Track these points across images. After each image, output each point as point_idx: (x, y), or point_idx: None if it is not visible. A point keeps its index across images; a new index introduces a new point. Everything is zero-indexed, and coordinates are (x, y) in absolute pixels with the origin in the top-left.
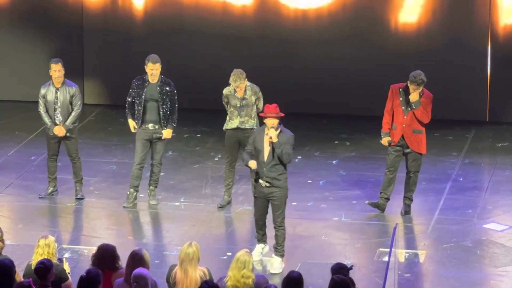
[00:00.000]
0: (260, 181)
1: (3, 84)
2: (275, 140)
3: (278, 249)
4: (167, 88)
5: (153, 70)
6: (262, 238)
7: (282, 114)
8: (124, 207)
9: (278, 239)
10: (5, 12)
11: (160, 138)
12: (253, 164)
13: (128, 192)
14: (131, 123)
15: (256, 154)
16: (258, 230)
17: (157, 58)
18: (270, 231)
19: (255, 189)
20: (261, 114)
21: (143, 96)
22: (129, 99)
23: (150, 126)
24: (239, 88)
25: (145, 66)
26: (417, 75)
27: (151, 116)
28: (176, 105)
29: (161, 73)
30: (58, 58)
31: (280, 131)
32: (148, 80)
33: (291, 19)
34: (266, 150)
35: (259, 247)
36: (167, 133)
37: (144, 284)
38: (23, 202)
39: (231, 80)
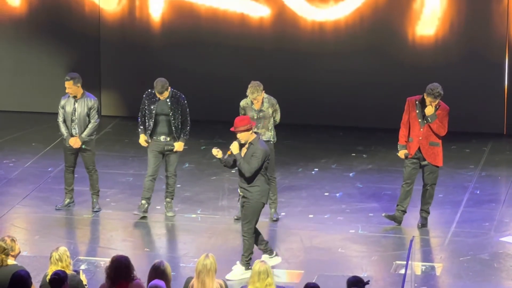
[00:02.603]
0: (238, 189)
1: (20, 96)
2: (234, 152)
3: (242, 258)
4: (178, 102)
5: (160, 96)
6: (261, 248)
7: (253, 124)
8: (134, 214)
9: (243, 247)
10: (23, 24)
11: (172, 151)
12: (214, 151)
13: (139, 203)
14: (142, 138)
15: None
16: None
17: (160, 88)
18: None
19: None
20: (231, 129)
21: (154, 112)
22: (141, 115)
23: (162, 138)
24: (256, 100)
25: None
26: (434, 88)
27: (163, 128)
28: (188, 118)
29: (178, 85)
30: (72, 73)
31: (251, 143)
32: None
33: (308, 31)
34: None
35: (263, 257)
36: (178, 146)
37: None
38: (40, 214)
39: (248, 92)
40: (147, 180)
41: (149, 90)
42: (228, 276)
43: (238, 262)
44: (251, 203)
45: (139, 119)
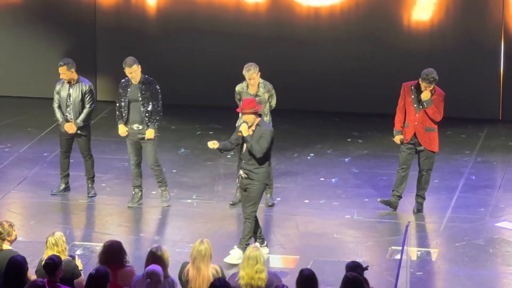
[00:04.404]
0: (240, 171)
1: (16, 81)
2: (245, 134)
3: (241, 241)
4: (149, 87)
5: (131, 73)
6: (256, 235)
7: (259, 108)
8: (128, 207)
9: (244, 230)
10: (19, 10)
11: (144, 139)
12: (210, 143)
13: (133, 192)
14: (121, 129)
15: (239, 148)
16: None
17: (131, 62)
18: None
19: (237, 178)
20: (238, 110)
21: (127, 97)
22: (118, 106)
23: (135, 126)
24: (252, 79)
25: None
26: (429, 73)
27: (135, 116)
28: (160, 104)
29: (173, 70)
30: (66, 59)
31: (258, 125)
32: (131, 82)
33: (303, 17)
34: (245, 143)
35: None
36: (149, 133)
37: (157, 280)
38: (35, 199)
39: (244, 71)
40: (132, 168)
41: (124, 79)
42: (226, 260)
43: (235, 246)
44: (256, 185)
45: (117, 110)
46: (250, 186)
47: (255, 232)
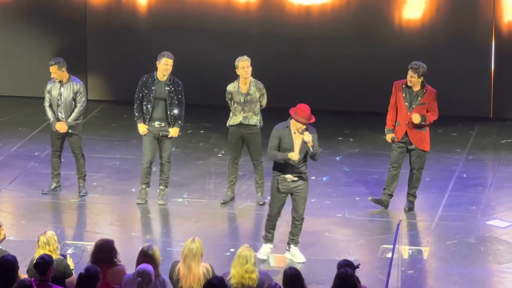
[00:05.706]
0: (290, 176)
1: (6, 80)
2: (311, 143)
3: (295, 239)
4: (176, 87)
5: (167, 65)
6: (270, 238)
7: (313, 120)
8: (138, 203)
9: (298, 231)
10: (9, 8)
11: (166, 136)
12: (294, 155)
13: (140, 188)
14: (142, 128)
15: (283, 152)
16: (270, 229)
17: (171, 54)
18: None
19: (278, 184)
20: (291, 112)
21: (152, 95)
22: (138, 101)
23: (156, 124)
24: (246, 66)
25: (158, 62)
26: (416, 62)
27: (158, 114)
28: (183, 104)
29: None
30: (57, 58)
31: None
32: (157, 78)
33: (295, 15)
34: (297, 149)
35: (267, 246)
36: (174, 131)
37: (148, 280)
38: (26, 198)
39: (237, 61)
40: (145, 166)
41: (146, 75)
42: (300, 261)
43: (292, 246)
44: (307, 184)
45: (135, 107)
46: (302, 186)
47: (273, 229)
